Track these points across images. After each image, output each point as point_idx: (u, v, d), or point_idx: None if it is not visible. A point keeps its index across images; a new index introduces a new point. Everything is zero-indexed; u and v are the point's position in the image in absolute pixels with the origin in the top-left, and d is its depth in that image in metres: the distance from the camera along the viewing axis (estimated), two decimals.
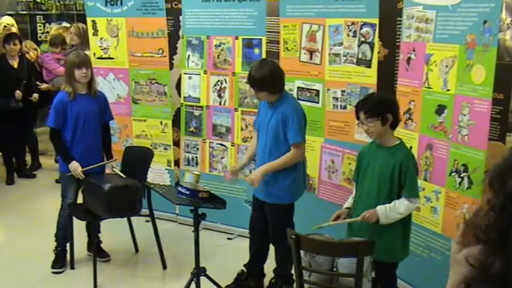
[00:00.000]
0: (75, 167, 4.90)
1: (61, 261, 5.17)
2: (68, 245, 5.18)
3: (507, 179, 1.25)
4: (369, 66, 4.86)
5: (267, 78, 4.30)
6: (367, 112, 3.73)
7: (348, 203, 4.07)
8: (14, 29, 8.33)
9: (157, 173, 6.21)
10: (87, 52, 5.75)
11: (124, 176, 5.01)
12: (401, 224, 3.81)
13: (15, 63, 7.44)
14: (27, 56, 7.93)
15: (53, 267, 5.14)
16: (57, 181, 7.11)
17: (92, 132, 5.03)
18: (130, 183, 4.89)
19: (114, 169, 5.10)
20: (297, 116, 4.34)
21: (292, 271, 3.85)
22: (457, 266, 1.49)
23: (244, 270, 4.85)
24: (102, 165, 5.09)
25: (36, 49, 8.36)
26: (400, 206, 3.69)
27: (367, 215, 3.71)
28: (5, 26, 8.14)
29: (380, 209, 3.70)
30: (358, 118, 3.84)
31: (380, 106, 3.75)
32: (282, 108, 4.36)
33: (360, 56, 4.89)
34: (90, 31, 6.35)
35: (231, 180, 4.86)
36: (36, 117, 8.11)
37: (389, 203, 3.72)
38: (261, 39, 5.54)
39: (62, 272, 5.13)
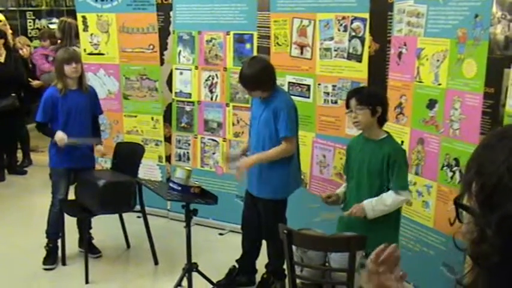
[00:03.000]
0: (60, 137, 4.88)
1: (52, 257, 5.15)
2: (59, 241, 5.17)
3: (503, 201, 1.18)
4: (359, 60, 4.85)
5: (258, 78, 4.32)
6: (359, 99, 3.76)
7: (339, 191, 4.08)
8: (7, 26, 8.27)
9: (149, 169, 6.19)
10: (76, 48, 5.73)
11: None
12: (391, 218, 3.81)
13: (1, 58, 7.37)
14: (21, 52, 7.90)
15: (44, 263, 5.11)
16: (51, 177, 7.08)
17: (83, 128, 5.03)
18: (124, 179, 4.89)
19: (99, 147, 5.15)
20: (288, 110, 4.33)
21: (284, 266, 3.85)
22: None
23: (236, 265, 4.85)
24: (88, 141, 5.12)
25: (29, 45, 8.31)
26: (387, 199, 3.70)
27: (354, 211, 3.72)
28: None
29: (367, 203, 3.71)
30: (348, 106, 3.85)
31: (372, 97, 3.81)
32: (274, 103, 4.36)
33: (350, 51, 4.89)
34: (81, 27, 6.32)
35: (222, 174, 4.85)
36: (28, 113, 8.06)
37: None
38: (252, 34, 5.52)
39: (53, 269, 5.11)
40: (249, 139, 4.69)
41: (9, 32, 8.14)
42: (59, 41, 7.50)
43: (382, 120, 3.83)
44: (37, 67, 7.70)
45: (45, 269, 5.09)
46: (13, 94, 7.35)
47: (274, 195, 4.48)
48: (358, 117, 3.78)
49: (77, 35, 7.08)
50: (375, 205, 3.70)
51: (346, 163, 4.04)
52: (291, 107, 4.41)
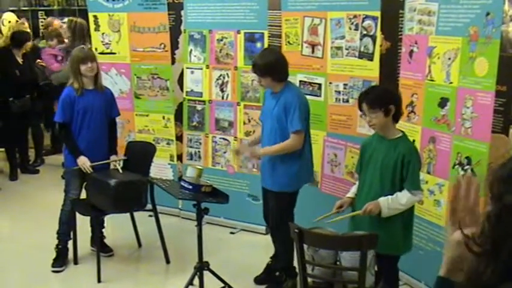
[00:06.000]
0: (83, 161, 4.90)
1: (61, 259, 5.13)
2: (69, 242, 5.17)
3: (506, 190, 1.22)
4: (371, 59, 4.84)
5: (271, 63, 4.37)
6: (370, 103, 3.71)
7: (351, 193, 4.06)
8: (27, 28, 8.32)
9: (160, 168, 6.21)
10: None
11: (121, 172, 5.01)
12: (403, 217, 3.80)
13: (20, 60, 7.45)
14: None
15: (53, 265, 5.10)
16: (62, 177, 7.12)
17: (98, 128, 5.02)
18: (136, 178, 4.91)
19: (116, 164, 5.10)
20: (299, 105, 4.37)
21: (295, 264, 3.85)
22: (447, 247, 1.52)
23: (273, 261, 4.86)
24: (110, 162, 5.09)
25: (23, 23, 8.30)
26: (402, 198, 3.68)
27: (369, 207, 3.69)
28: (17, 21, 8.17)
29: (382, 200, 3.68)
30: (360, 109, 3.83)
31: (383, 97, 3.74)
32: (286, 97, 4.41)
33: (362, 49, 4.88)
34: (92, 26, 6.35)
35: (234, 173, 4.86)
36: (43, 112, 8.11)
37: (392, 195, 3.71)
38: (262, 33, 5.52)
39: (61, 271, 5.09)
40: (259, 134, 4.74)
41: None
42: (66, 40, 7.54)
43: (396, 116, 3.80)
44: (46, 67, 7.73)
45: (53, 271, 5.08)
46: (27, 96, 7.42)
47: (286, 187, 4.51)
48: (372, 120, 3.76)
49: (86, 35, 7.13)
50: (390, 203, 3.68)
51: (359, 161, 4.02)
52: (301, 101, 4.44)
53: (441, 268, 1.55)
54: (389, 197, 3.69)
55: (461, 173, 4.16)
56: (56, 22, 8.55)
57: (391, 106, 3.70)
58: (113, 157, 5.14)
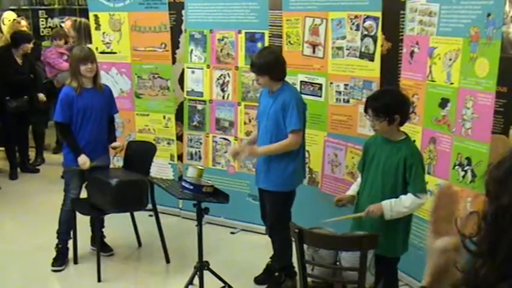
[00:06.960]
0: (84, 161, 4.90)
1: (61, 259, 5.13)
2: (69, 242, 5.16)
3: (502, 191, 1.22)
4: (372, 59, 4.84)
5: (269, 62, 4.38)
6: (375, 111, 3.69)
7: (351, 190, 4.05)
8: (25, 26, 8.31)
9: (161, 168, 6.21)
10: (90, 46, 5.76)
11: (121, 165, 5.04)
12: (404, 219, 3.79)
13: (19, 60, 7.45)
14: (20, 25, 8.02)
15: (53, 265, 5.09)
16: (62, 176, 7.12)
17: (98, 127, 5.02)
18: (136, 178, 4.91)
19: (116, 151, 5.13)
20: (296, 104, 4.38)
21: (294, 264, 3.85)
22: (430, 256, 1.52)
23: (272, 262, 4.86)
24: (104, 160, 5.10)
25: (19, 22, 8.31)
26: (406, 201, 3.66)
27: (372, 209, 3.68)
28: (14, 19, 8.17)
29: (385, 203, 3.67)
30: (366, 112, 3.82)
31: (389, 107, 3.68)
32: (283, 97, 4.41)
33: (363, 50, 4.88)
34: (93, 26, 6.34)
35: (234, 173, 4.86)
36: (46, 112, 8.11)
37: (394, 197, 3.69)
38: (263, 33, 5.52)
39: (61, 271, 5.09)
40: (256, 133, 4.73)
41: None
42: (71, 40, 7.54)
43: (402, 121, 3.78)
44: (53, 67, 7.72)
45: (53, 271, 5.08)
46: (25, 97, 7.42)
47: (283, 187, 4.52)
48: (376, 126, 3.75)
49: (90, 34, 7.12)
50: (393, 206, 3.66)
51: (362, 160, 4.00)
52: (299, 101, 4.46)
53: (424, 278, 1.55)
54: (393, 199, 3.67)
55: (461, 173, 4.17)
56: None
57: (396, 116, 3.68)
58: (114, 144, 5.16)
